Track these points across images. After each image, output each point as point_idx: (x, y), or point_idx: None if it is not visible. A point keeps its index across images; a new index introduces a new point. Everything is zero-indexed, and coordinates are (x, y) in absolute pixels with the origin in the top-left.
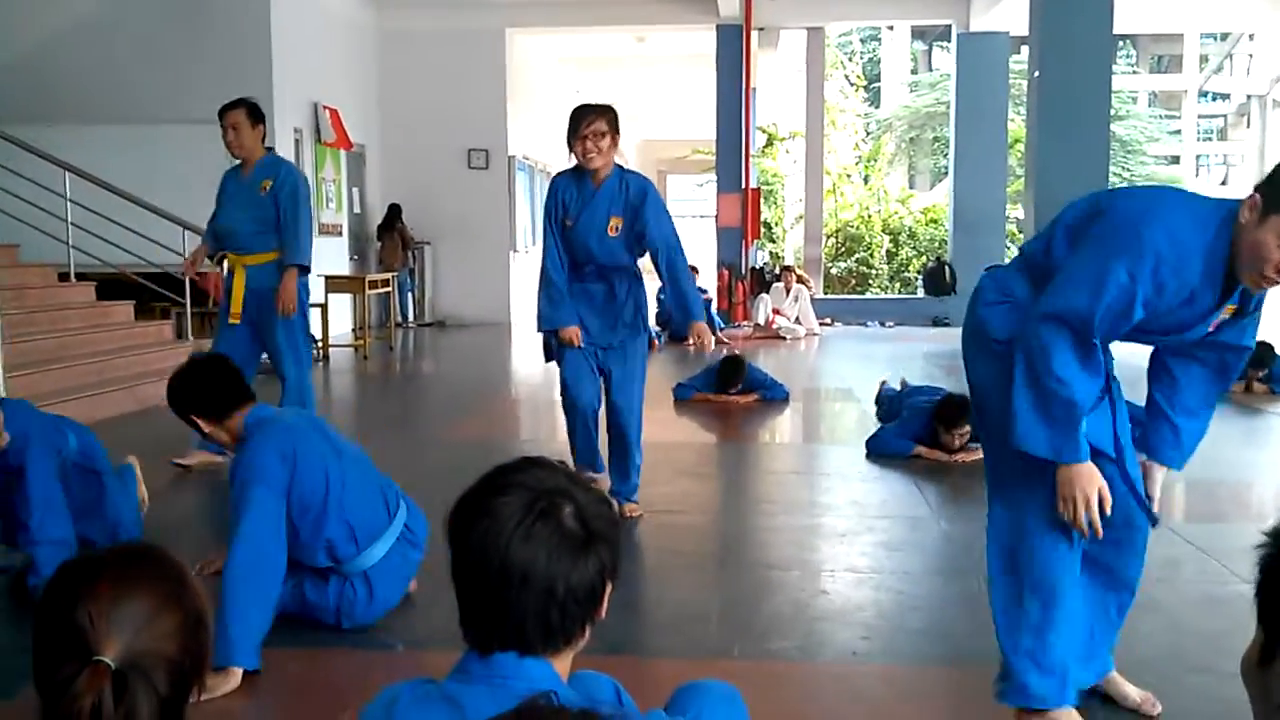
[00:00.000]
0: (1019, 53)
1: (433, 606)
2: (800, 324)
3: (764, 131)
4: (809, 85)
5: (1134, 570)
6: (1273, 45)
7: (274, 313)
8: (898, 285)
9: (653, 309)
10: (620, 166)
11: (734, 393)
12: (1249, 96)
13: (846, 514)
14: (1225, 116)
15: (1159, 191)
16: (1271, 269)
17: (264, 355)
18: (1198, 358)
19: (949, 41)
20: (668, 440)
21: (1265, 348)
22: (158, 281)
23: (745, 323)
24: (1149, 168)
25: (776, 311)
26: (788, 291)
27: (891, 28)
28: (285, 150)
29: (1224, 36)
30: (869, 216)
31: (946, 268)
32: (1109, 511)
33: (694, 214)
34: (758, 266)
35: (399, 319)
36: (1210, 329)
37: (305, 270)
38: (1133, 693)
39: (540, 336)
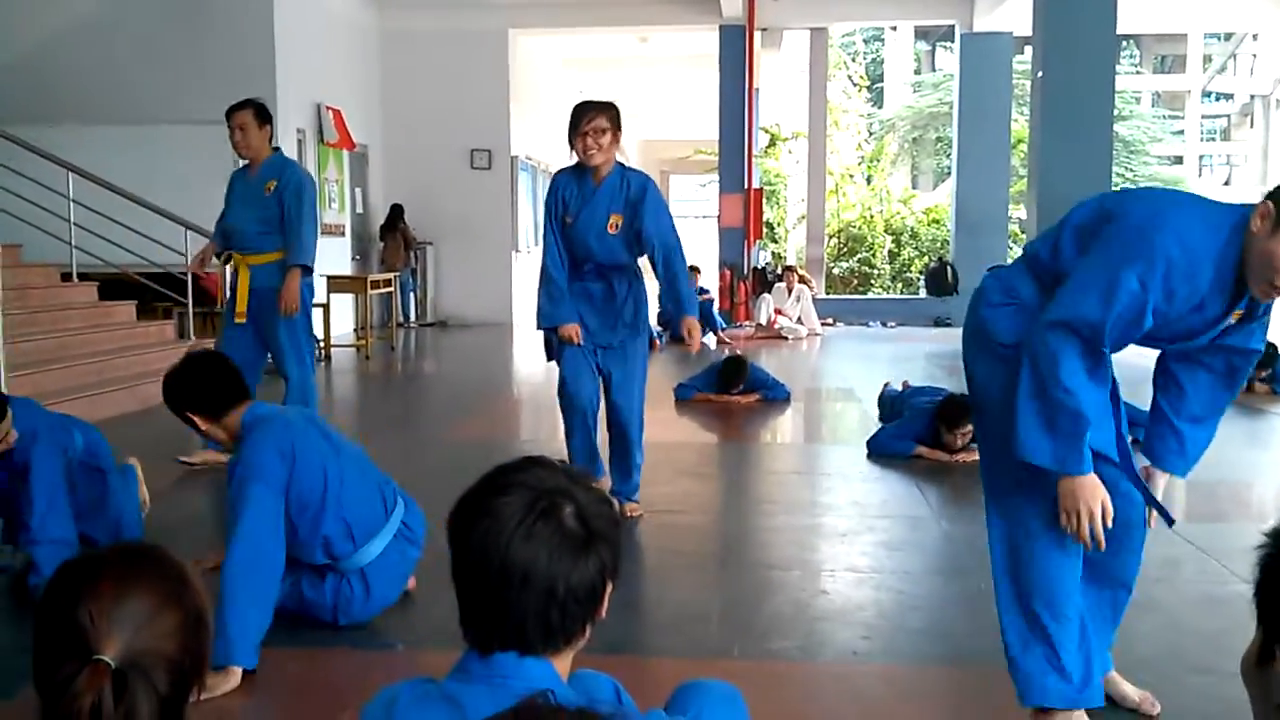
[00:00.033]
0: (1022, 53)
1: (433, 606)
2: (802, 324)
3: (766, 132)
4: (811, 85)
5: (1131, 570)
6: (1276, 45)
7: (276, 312)
8: (900, 285)
9: (654, 309)
10: (622, 164)
11: (736, 393)
12: (1252, 97)
13: (847, 514)
14: (1229, 117)
15: (1169, 195)
16: None
17: (270, 355)
18: (1204, 364)
19: (952, 42)
20: (669, 440)
21: (1269, 347)
22: (159, 281)
23: (747, 323)
24: (1152, 168)
25: (778, 311)
26: (790, 291)
27: (895, 28)
28: (288, 150)
29: (1227, 37)
30: (871, 217)
31: (949, 268)
32: (1110, 524)
33: (696, 214)
34: (760, 266)
35: (401, 319)
36: (1217, 334)
37: (308, 271)
38: (1132, 692)
39: (541, 335)
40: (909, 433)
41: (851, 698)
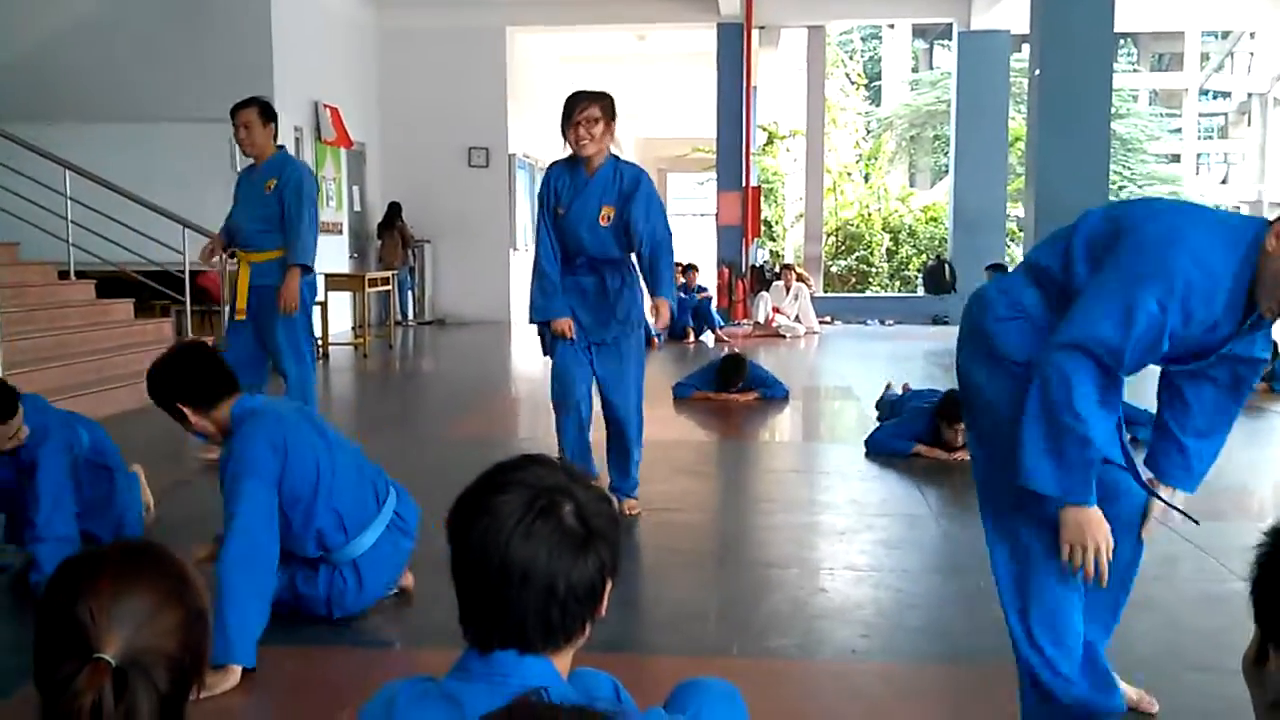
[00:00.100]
0: (1020, 51)
1: (432, 604)
2: (800, 322)
3: (764, 130)
4: (809, 83)
5: (1131, 572)
6: (1274, 43)
7: (275, 310)
8: (898, 284)
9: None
10: (616, 157)
11: (734, 391)
12: (1250, 95)
13: (845, 512)
14: (1226, 115)
15: (1184, 212)
16: None
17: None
18: (1210, 377)
19: (950, 40)
20: (667, 438)
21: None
22: (157, 279)
23: (745, 321)
24: (1149, 166)
25: (776, 310)
26: (788, 290)
27: (892, 26)
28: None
29: (1225, 35)
30: (869, 215)
31: (947, 266)
32: (1111, 558)
33: (694, 212)
34: (758, 265)
35: (399, 317)
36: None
37: (308, 269)
38: (1130, 692)
39: (535, 330)
40: (907, 432)
41: (850, 696)
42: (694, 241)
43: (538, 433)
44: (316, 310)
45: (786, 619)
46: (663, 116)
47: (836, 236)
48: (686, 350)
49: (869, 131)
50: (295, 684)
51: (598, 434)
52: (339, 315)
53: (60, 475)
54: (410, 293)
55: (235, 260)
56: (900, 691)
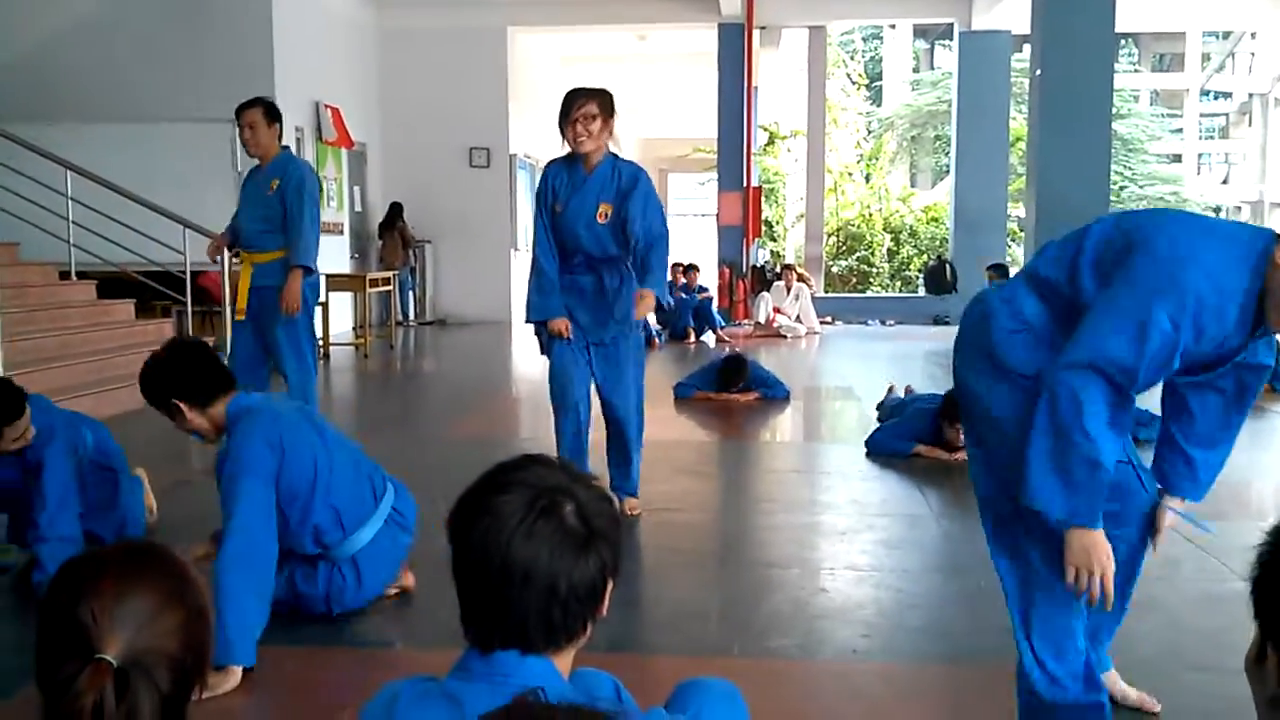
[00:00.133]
0: (1021, 51)
1: (433, 604)
2: (801, 322)
3: (765, 130)
4: (810, 84)
5: (1134, 575)
6: (1274, 44)
7: (277, 311)
8: (899, 284)
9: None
10: (615, 155)
11: (735, 391)
12: (1251, 95)
13: (846, 512)
14: (1227, 115)
15: (1193, 225)
16: None
17: None
18: (1215, 386)
19: (951, 40)
20: (667, 438)
21: None
22: (158, 280)
23: (746, 321)
24: (1150, 166)
25: (777, 310)
26: (789, 290)
27: (893, 26)
28: None
29: (1226, 35)
30: (870, 215)
31: (948, 266)
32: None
33: (695, 212)
34: (759, 265)
35: (400, 317)
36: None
37: (310, 271)
38: (1131, 692)
39: (533, 330)
40: (908, 432)
41: (851, 696)
42: (695, 242)
43: (539, 433)
44: (318, 311)
45: (787, 619)
46: (664, 117)
47: (837, 237)
48: (687, 350)
49: (870, 132)
50: (295, 684)
51: (597, 434)
52: (340, 315)
53: (65, 476)
54: (411, 293)
55: (240, 260)
56: (901, 691)
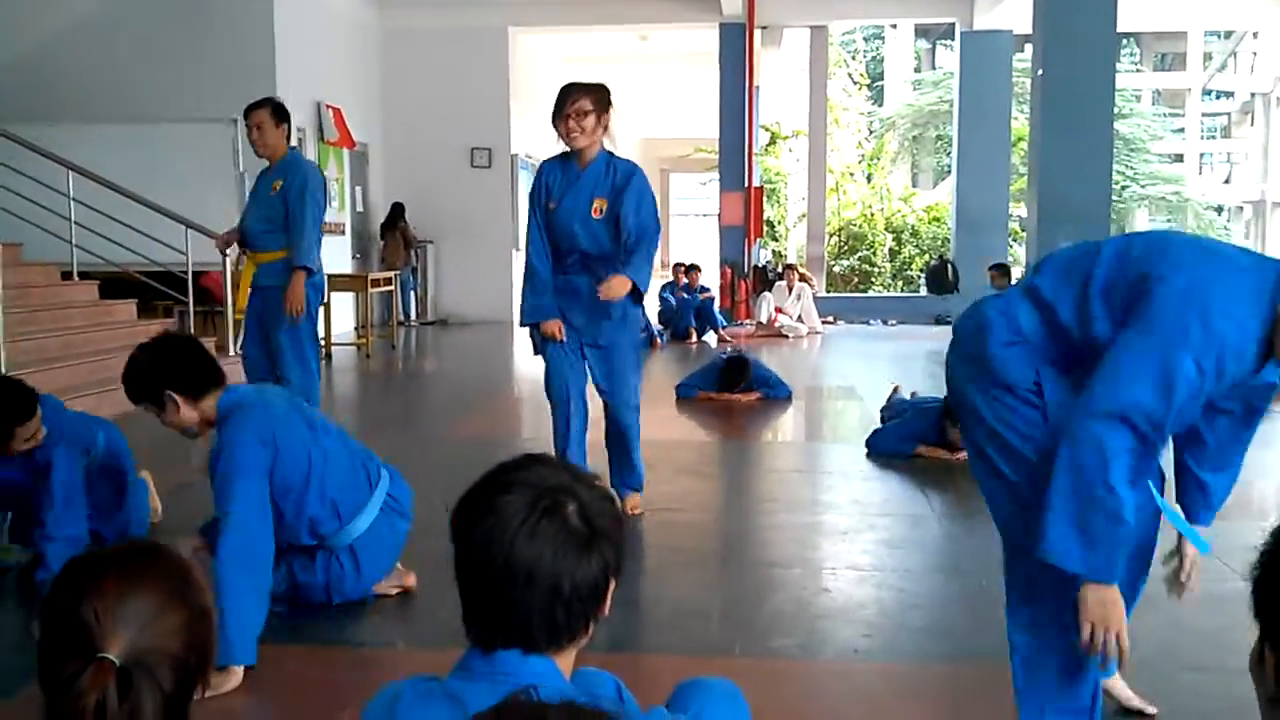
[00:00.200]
0: (1022, 51)
1: (434, 604)
2: (803, 322)
3: (767, 130)
4: (812, 83)
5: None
6: (1277, 43)
7: (279, 312)
8: (900, 284)
9: (656, 307)
10: (610, 152)
11: (738, 391)
12: (1253, 94)
13: (848, 512)
14: (1229, 114)
15: (1209, 259)
16: None
17: None
18: (1223, 410)
19: (952, 39)
20: (669, 438)
21: None
22: (160, 280)
23: (748, 321)
24: (1152, 165)
25: (779, 310)
26: (790, 290)
27: (895, 26)
28: None
29: (1228, 34)
30: (872, 215)
31: (949, 266)
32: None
33: (696, 212)
34: (760, 265)
35: (401, 317)
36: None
37: (311, 272)
38: (1130, 693)
39: (528, 331)
40: (909, 432)
41: (853, 696)
42: (696, 242)
43: (541, 432)
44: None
45: (789, 619)
46: (665, 117)
47: (839, 236)
48: (689, 350)
49: (871, 131)
50: (296, 684)
51: (597, 434)
52: (342, 315)
53: (73, 476)
54: (413, 293)
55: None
56: (903, 691)
